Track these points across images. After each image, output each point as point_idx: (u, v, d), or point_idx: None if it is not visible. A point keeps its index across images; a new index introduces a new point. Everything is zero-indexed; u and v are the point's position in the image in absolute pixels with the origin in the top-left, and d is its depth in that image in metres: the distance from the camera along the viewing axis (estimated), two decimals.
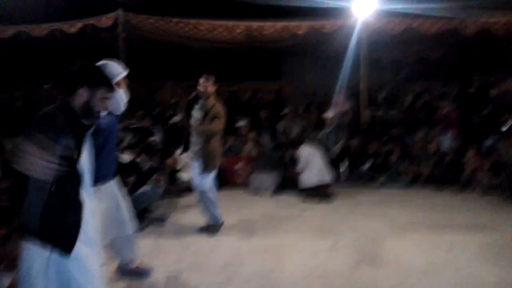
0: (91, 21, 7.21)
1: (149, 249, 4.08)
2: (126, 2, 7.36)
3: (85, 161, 2.03)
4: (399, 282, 3.40)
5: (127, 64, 7.06)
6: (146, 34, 8.17)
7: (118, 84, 3.02)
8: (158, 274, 3.58)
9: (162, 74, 9.84)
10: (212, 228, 4.71)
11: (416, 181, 7.08)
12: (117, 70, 3.09)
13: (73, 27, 7.16)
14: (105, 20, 7.23)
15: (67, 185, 1.88)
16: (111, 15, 7.22)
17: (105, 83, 2.00)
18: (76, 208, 1.93)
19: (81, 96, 1.95)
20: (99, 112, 2.01)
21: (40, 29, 7.15)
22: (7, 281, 2.25)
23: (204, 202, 4.68)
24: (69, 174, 1.86)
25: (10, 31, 7.07)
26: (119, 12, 7.24)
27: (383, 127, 8.39)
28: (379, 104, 9.65)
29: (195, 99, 4.66)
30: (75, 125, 1.93)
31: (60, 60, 7.16)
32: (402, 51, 10.03)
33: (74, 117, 1.94)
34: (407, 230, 4.75)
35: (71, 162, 1.87)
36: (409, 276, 3.51)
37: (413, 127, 8.01)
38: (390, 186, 7.08)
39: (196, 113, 4.60)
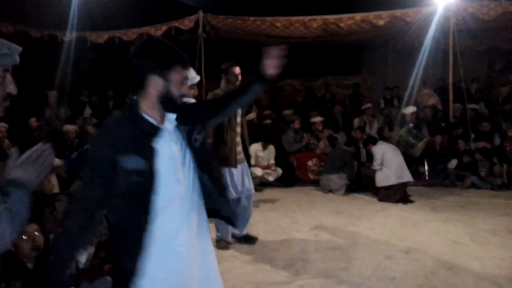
0: (175, 23, 7.70)
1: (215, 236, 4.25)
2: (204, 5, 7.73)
3: (167, 165, 1.58)
4: None
5: (207, 64, 7.51)
6: (224, 33, 8.49)
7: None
8: (229, 263, 3.73)
9: (241, 73, 10.08)
10: (250, 239, 4.29)
11: (509, 181, 6.39)
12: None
13: (158, 30, 7.73)
14: (188, 22, 7.66)
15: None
16: (193, 17, 7.63)
17: (177, 58, 1.56)
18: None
19: (155, 86, 1.54)
20: (181, 96, 1.59)
21: (131, 33, 7.83)
22: (83, 257, 2.55)
23: (250, 207, 4.22)
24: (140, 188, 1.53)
25: (105, 36, 7.89)
26: (200, 14, 7.61)
27: (475, 122, 7.68)
28: (472, 97, 8.84)
29: None
30: (140, 133, 1.52)
31: None
32: (498, 38, 9.07)
33: (138, 123, 1.54)
34: (492, 237, 4.32)
35: (142, 176, 1.51)
36: (490, 286, 3.20)
37: (509, 122, 7.22)
38: (479, 187, 6.49)
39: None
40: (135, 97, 1.58)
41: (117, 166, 1.48)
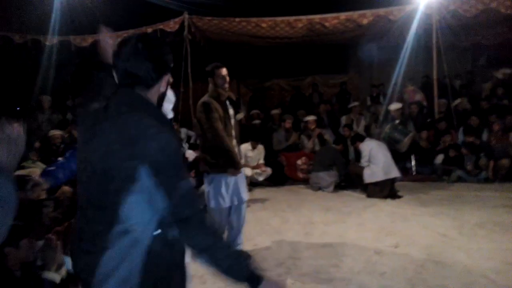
0: (160, 26, 7.66)
1: None
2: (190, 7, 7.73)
3: None
4: (467, 284, 3.17)
5: (193, 66, 7.48)
6: (210, 35, 8.48)
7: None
8: None
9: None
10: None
11: (495, 176, 6.51)
12: None
13: (144, 32, 7.68)
14: (173, 24, 7.64)
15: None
16: (178, 19, 7.60)
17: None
18: None
19: (163, 85, 1.43)
20: None
21: (116, 36, 7.75)
22: (70, 263, 2.52)
23: (242, 216, 3.88)
24: None
25: (89, 39, 7.81)
26: (185, 16, 7.59)
27: (460, 117, 7.81)
28: (456, 92, 8.98)
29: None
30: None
31: None
32: (481, 34, 9.23)
33: (171, 129, 1.46)
34: (479, 229, 4.39)
35: None
36: (478, 277, 3.26)
37: (493, 116, 7.35)
38: (465, 181, 6.60)
39: (231, 111, 3.79)
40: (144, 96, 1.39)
41: None
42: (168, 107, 2.22)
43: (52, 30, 7.90)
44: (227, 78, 3.69)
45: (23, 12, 8.42)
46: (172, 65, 1.47)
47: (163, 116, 1.41)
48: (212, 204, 3.72)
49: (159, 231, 1.31)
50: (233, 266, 1.31)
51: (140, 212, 1.28)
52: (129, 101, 1.36)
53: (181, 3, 8.26)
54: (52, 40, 7.85)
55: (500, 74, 8.80)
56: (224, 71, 3.67)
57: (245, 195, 3.86)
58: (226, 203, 3.72)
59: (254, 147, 6.90)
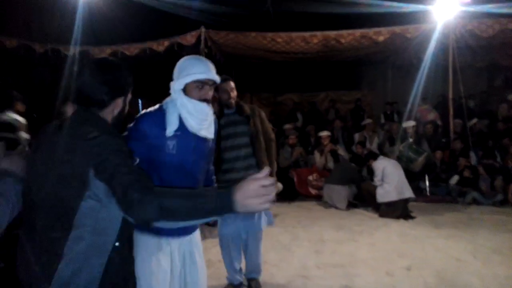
0: (177, 39, 7.77)
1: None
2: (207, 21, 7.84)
3: None
4: None
5: None
6: (226, 49, 8.57)
7: (186, 90, 2.01)
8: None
9: (242, 87, 10.15)
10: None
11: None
12: (195, 69, 2.02)
13: (161, 45, 7.79)
14: (189, 38, 7.73)
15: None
16: (195, 32, 7.70)
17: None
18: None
19: (117, 108, 1.53)
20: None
21: (133, 48, 7.89)
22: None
23: (259, 248, 3.47)
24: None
25: (108, 50, 7.95)
26: (202, 30, 7.70)
27: (476, 138, 7.68)
28: (472, 112, 8.87)
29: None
30: None
31: (149, 76, 7.86)
32: (497, 55, 9.14)
33: None
34: (494, 255, 4.27)
35: None
36: None
37: (507, 139, 7.22)
38: (481, 204, 6.45)
39: (234, 129, 3.25)
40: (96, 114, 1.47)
41: None
42: (198, 126, 2.03)
43: (73, 41, 8.07)
44: (233, 93, 3.22)
45: (45, 22, 8.63)
46: (130, 89, 1.54)
47: (114, 130, 1.47)
48: (221, 230, 3.36)
49: (117, 244, 1.36)
50: (200, 213, 1.26)
51: (94, 219, 1.32)
52: (82, 118, 1.44)
53: (199, 13, 8.39)
54: (71, 50, 8.01)
55: None
56: (229, 84, 3.19)
57: (261, 221, 3.31)
58: (233, 230, 3.30)
59: None
